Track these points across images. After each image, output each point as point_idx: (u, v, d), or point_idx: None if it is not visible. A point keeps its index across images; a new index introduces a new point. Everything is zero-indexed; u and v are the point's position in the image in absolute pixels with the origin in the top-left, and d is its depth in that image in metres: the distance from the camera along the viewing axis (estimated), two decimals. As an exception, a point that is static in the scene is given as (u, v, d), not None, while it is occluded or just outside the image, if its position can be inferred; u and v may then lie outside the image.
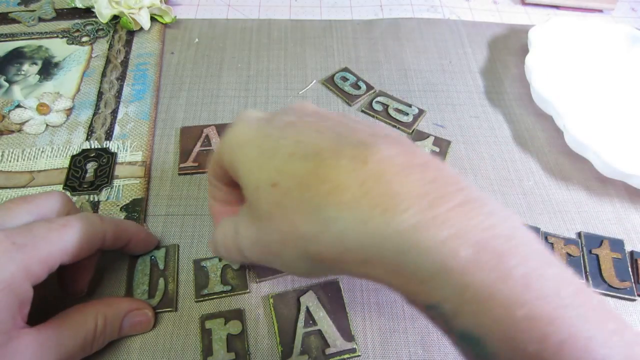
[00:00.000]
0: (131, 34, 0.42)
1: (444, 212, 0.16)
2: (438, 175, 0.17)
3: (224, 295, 0.27)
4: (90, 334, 0.23)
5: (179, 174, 0.33)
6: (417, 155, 0.18)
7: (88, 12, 0.43)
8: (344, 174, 0.17)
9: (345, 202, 0.17)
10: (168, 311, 0.26)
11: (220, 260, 0.28)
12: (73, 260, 0.22)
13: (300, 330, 0.26)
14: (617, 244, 0.31)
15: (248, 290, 0.27)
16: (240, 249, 0.22)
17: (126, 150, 0.34)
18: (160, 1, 0.42)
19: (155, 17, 0.43)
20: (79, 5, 0.43)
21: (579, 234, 0.31)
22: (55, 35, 0.41)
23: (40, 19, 0.43)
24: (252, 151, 0.20)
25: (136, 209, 0.30)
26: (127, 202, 0.31)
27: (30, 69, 0.39)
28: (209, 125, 0.35)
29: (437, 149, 0.35)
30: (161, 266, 0.28)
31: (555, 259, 0.16)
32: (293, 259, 0.20)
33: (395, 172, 0.17)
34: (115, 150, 0.33)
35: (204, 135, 0.34)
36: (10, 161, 0.33)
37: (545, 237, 0.31)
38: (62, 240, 0.21)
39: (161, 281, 0.27)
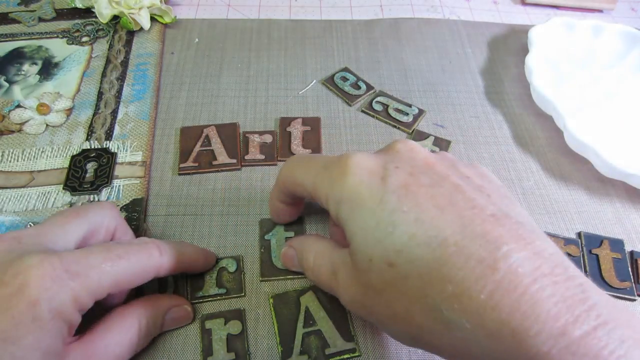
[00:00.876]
0: (131, 34, 0.42)
1: (577, 340, 0.15)
2: (569, 288, 0.16)
3: (218, 298, 0.27)
4: (135, 337, 0.23)
5: (179, 174, 0.33)
6: (546, 256, 0.17)
7: (88, 12, 0.43)
8: (472, 279, 0.16)
9: (471, 312, 0.16)
10: None
11: (216, 262, 0.28)
12: (121, 290, 0.22)
13: (300, 330, 0.26)
14: (617, 244, 0.31)
15: (243, 294, 0.27)
16: (334, 291, 0.22)
17: (126, 150, 0.34)
18: (160, 1, 0.42)
19: (155, 17, 0.43)
20: (79, 6, 0.43)
21: (579, 234, 0.31)
22: (55, 35, 0.41)
23: (40, 19, 0.43)
24: (368, 219, 0.19)
25: (136, 209, 0.30)
26: (127, 202, 0.31)
27: (30, 69, 0.39)
28: (209, 125, 0.35)
29: (437, 149, 0.35)
30: None
31: None
32: (400, 334, 0.20)
33: (526, 285, 0.16)
34: (115, 150, 0.33)
35: (204, 135, 0.34)
36: (10, 161, 0.33)
37: (545, 237, 0.31)
38: (115, 272, 0.21)
39: (170, 278, 0.27)
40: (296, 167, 0.24)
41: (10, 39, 0.41)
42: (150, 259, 0.22)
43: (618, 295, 0.29)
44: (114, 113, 0.36)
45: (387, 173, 0.20)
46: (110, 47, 0.41)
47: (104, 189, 0.31)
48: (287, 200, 0.27)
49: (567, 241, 0.31)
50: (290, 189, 0.25)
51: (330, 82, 0.39)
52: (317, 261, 0.23)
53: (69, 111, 0.36)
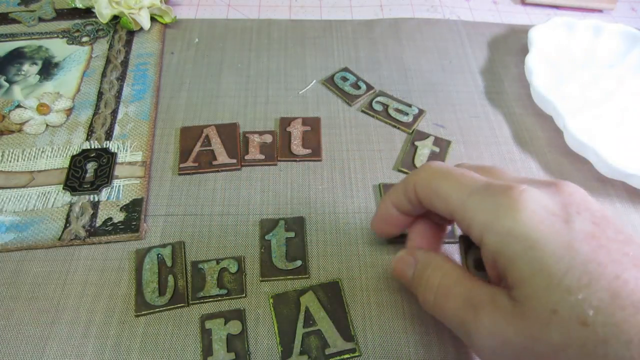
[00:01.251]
0: (131, 34, 0.42)
1: None
2: None
3: (219, 299, 0.27)
4: None
5: (179, 174, 0.33)
6: None
7: (88, 12, 0.43)
8: None
9: None
10: (180, 307, 0.27)
11: (218, 263, 0.28)
12: None
13: (300, 330, 0.26)
14: (617, 244, 0.31)
15: (244, 295, 0.27)
16: (465, 328, 0.20)
17: (126, 150, 0.34)
18: (160, 1, 0.42)
19: (155, 17, 0.43)
20: (79, 6, 0.43)
21: (579, 234, 0.31)
22: (56, 35, 0.41)
23: (41, 19, 0.43)
24: (552, 264, 0.17)
25: (136, 209, 0.30)
26: (127, 202, 0.31)
27: (30, 69, 0.39)
28: (209, 125, 0.35)
29: (437, 149, 0.35)
30: (169, 263, 0.28)
31: None
32: None
33: None
34: (115, 150, 0.33)
35: (204, 135, 0.34)
36: (10, 161, 0.33)
37: (545, 237, 0.31)
38: None
39: (170, 278, 0.27)
40: (441, 177, 0.22)
41: (10, 39, 0.41)
42: None
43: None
44: (114, 113, 0.36)
45: (570, 217, 0.18)
46: (110, 47, 0.41)
47: (104, 189, 0.31)
48: (406, 209, 0.24)
49: (567, 241, 0.30)
50: (423, 198, 0.22)
51: (330, 82, 0.39)
52: (445, 285, 0.21)
53: (69, 111, 0.36)
